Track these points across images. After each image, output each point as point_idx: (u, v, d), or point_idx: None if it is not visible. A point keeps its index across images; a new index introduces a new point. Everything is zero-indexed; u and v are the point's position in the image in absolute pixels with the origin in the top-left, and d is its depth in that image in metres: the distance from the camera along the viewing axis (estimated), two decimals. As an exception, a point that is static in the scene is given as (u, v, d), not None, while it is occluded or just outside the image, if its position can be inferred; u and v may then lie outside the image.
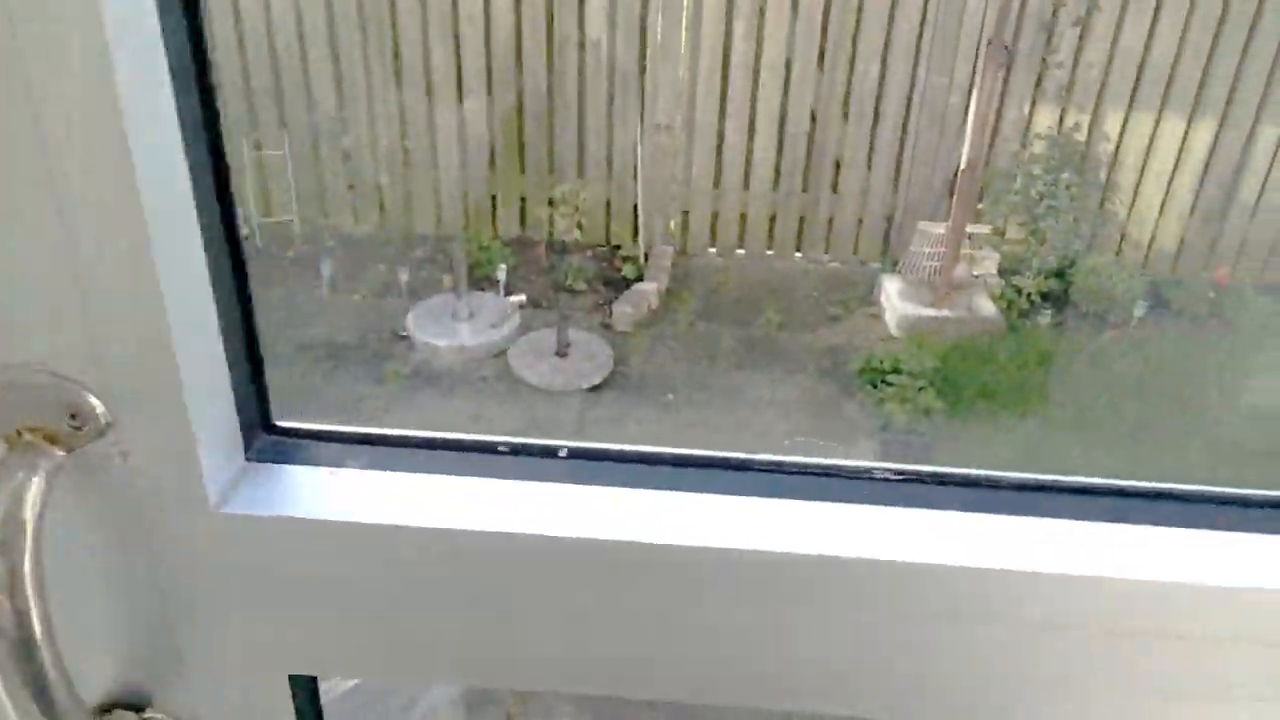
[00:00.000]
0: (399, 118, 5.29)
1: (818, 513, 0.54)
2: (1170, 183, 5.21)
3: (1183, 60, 4.91)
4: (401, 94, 5.24)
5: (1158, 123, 5.06)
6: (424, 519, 0.51)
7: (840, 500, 0.54)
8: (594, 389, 4.42)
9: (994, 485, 0.56)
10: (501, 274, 4.99)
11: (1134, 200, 5.27)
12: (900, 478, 0.55)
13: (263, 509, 0.52)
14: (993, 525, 0.54)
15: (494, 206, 5.53)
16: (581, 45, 5.10)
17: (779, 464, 0.56)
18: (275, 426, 0.56)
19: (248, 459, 0.54)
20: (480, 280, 5.10)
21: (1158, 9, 4.82)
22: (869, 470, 0.55)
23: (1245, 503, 0.56)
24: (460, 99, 5.24)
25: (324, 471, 0.54)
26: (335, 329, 4.68)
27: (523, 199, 5.50)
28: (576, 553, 0.51)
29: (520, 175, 5.44)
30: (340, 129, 5.25)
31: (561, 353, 4.52)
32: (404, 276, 4.93)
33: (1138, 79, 4.97)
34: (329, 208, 5.32)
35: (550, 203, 5.37)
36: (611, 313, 4.89)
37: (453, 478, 0.54)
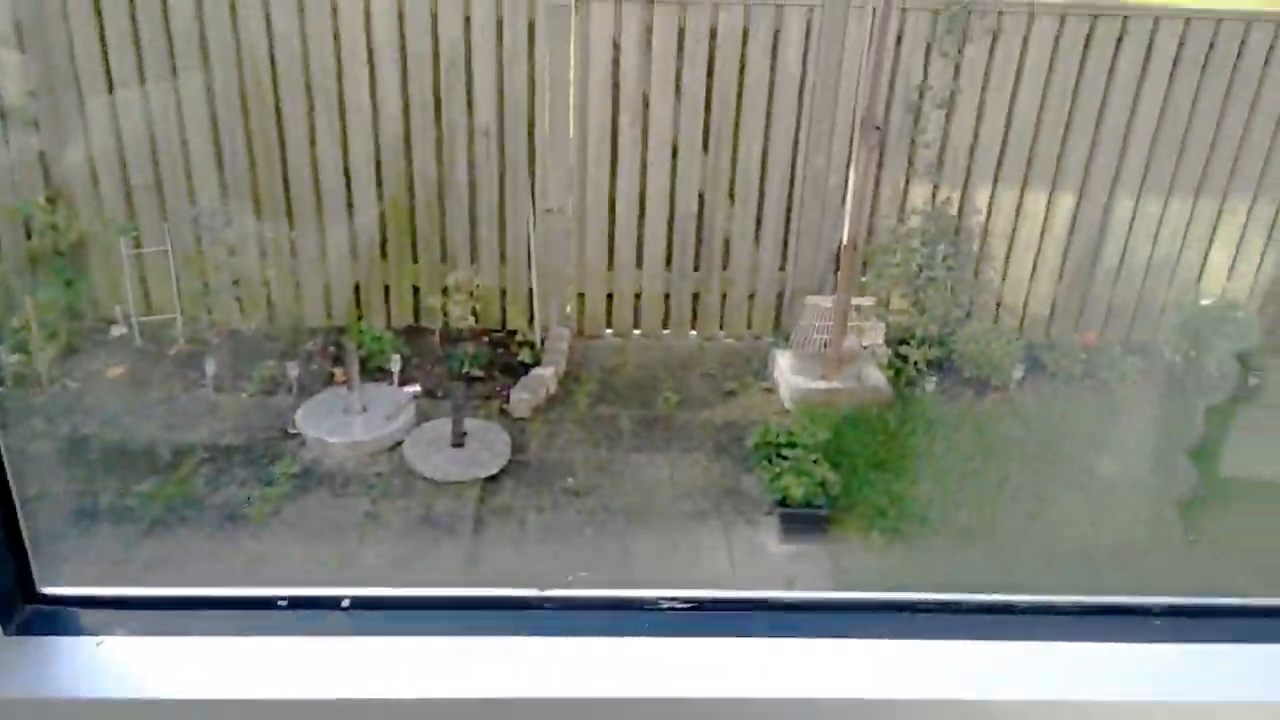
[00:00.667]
0: (286, 210, 5.23)
1: (610, 649, 0.53)
2: (1038, 251, 5.50)
3: (1040, 137, 5.23)
4: (288, 185, 5.19)
5: (1022, 195, 5.36)
6: (196, 689, 0.49)
7: (621, 634, 0.53)
8: (492, 478, 4.35)
9: (854, 607, 0.56)
10: (395, 365, 4.92)
11: (1006, 268, 5.54)
12: (686, 606, 0.55)
13: (20, 689, 0.48)
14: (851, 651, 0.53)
15: (386, 297, 5.48)
16: (471, 134, 5.15)
17: (569, 600, 0.55)
18: (40, 595, 0.53)
19: (7, 633, 0.51)
20: (373, 372, 5.02)
21: (1014, 92, 5.14)
22: (655, 601, 0.55)
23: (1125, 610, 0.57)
24: (349, 189, 5.22)
25: (90, 642, 0.51)
26: (220, 429, 4.52)
27: (415, 288, 5.47)
28: (359, 715, 0.49)
29: (413, 264, 5.42)
30: (224, 223, 5.16)
31: (458, 443, 4.45)
32: (293, 371, 4.82)
33: (1001, 155, 5.27)
34: (214, 304, 5.19)
35: (444, 291, 5.34)
36: (509, 399, 4.86)
37: (228, 639, 0.52)
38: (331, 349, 5.16)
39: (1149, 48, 5.06)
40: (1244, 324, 5.23)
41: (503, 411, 4.86)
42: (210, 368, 4.85)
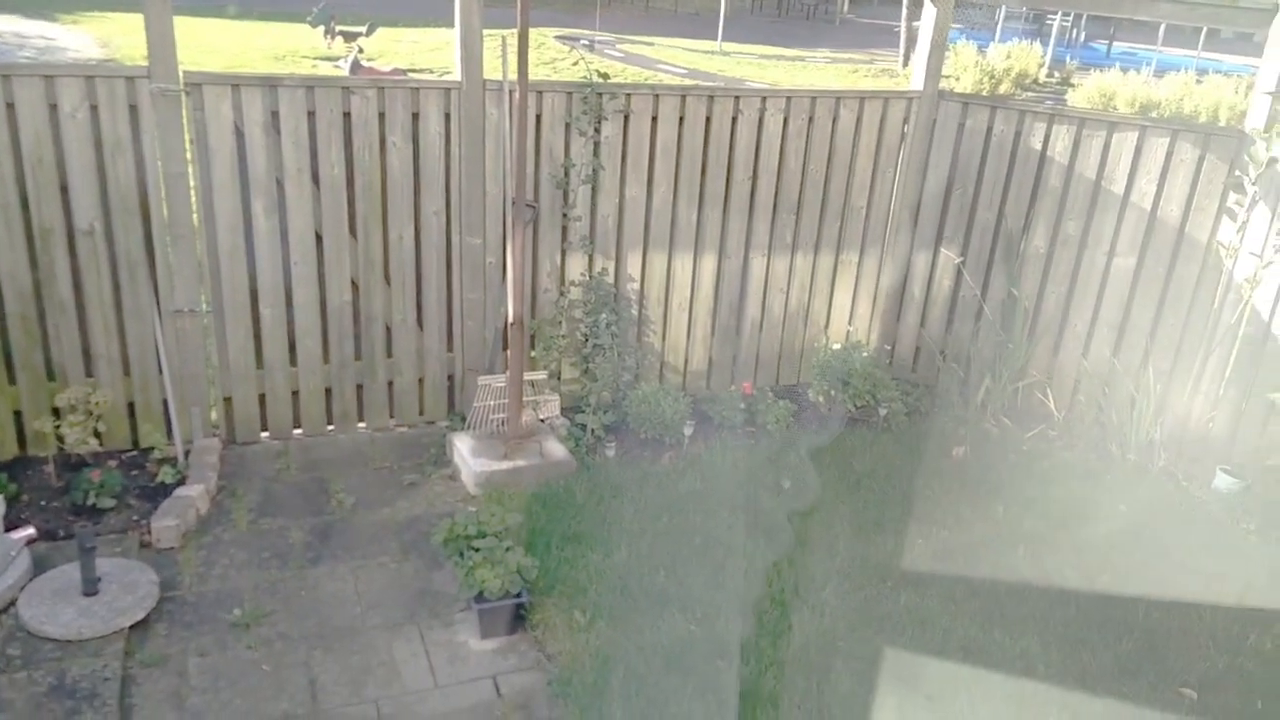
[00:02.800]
0: None
1: None
2: (690, 311, 5.82)
3: (679, 204, 5.55)
4: None
5: (670, 260, 5.65)
6: None
7: None
8: (139, 626, 3.72)
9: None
10: (-3, 508, 4.10)
11: (665, 330, 5.79)
12: None
13: None
14: None
15: (-22, 427, 4.59)
16: (71, 234, 4.49)
17: None
18: None
19: None
20: (-32, 520, 4.15)
21: (651, 165, 5.43)
22: None
23: None
24: (-86, 306, 4.32)
25: None
26: None
27: (17, 413, 4.63)
28: None
29: (10, 386, 4.59)
30: None
31: (90, 590, 3.77)
32: None
33: (646, 224, 5.53)
34: None
35: (55, 412, 4.57)
36: (150, 529, 4.22)
37: None
38: (-95, 501, 4.19)
39: (759, 122, 5.58)
40: (868, 363, 5.86)
41: (145, 544, 4.22)
42: None
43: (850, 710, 3.53)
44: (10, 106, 4.28)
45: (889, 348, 6.25)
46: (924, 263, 6.12)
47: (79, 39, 16.03)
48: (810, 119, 5.69)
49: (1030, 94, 18.29)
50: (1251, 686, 3.83)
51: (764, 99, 5.60)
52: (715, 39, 21.34)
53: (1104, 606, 4.24)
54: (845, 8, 30.99)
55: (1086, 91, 15.79)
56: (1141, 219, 5.51)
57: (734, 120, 5.53)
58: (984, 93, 17.73)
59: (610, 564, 4.22)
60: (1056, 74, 19.92)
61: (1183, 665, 3.92)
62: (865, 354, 5.92)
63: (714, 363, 6.01)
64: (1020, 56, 18.81)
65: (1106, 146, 5.52)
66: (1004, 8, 23.82)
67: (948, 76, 18.40)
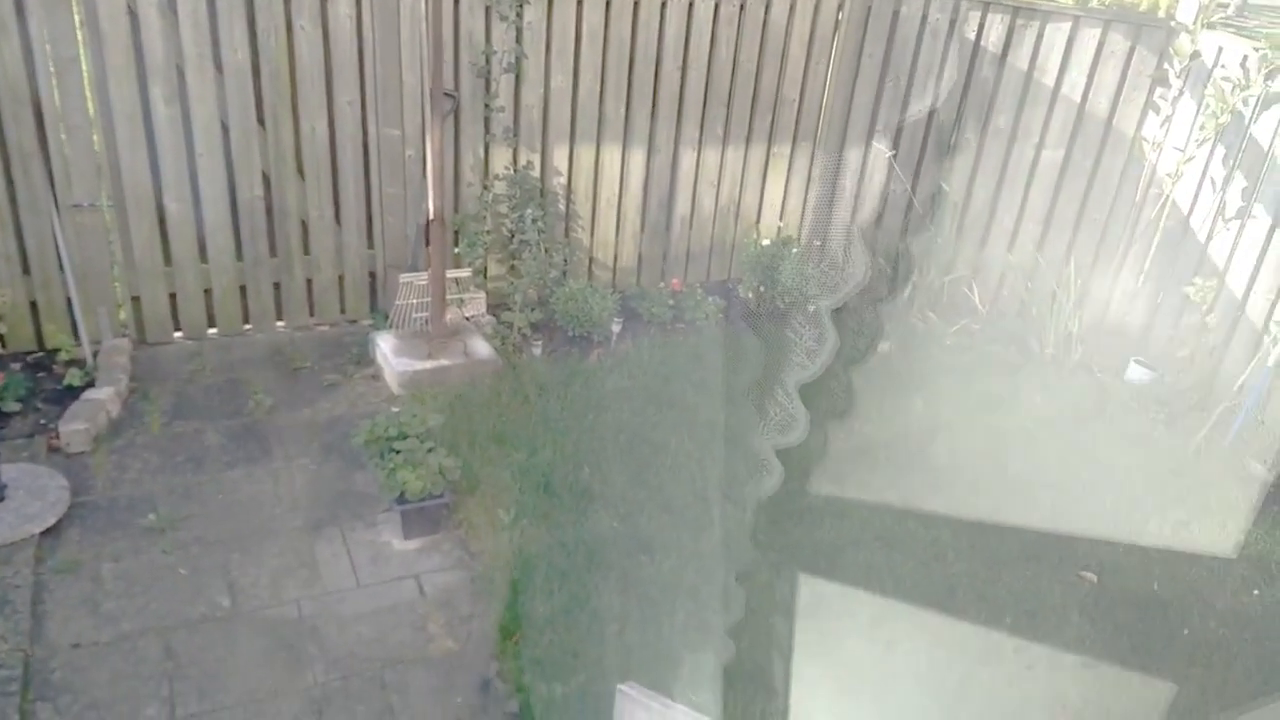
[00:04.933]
0: None
1: None
2: (619, 207, 5.70)
3: (606, 97, 5.38)
4: None
5: (598, 154, 5.50)
6: None
7: None
8: (49, 532, 3.64)
9: None
10: (-109, 415, 3.94)
11: (593, 226, 5.68)
12: None
13: None
14: None
15: None
16: (-46, 122, 4.20)
17: None
18: None
19: None
20: None
21: (577, 54, 5.22)
22: None
23: None
24: None
25: None
26: None
27: (-91, 315, 4.42)
28: None
29: (-101, 286, 4.36)
30: None
31: (-5, 498, 3.67)
32: None
33: (572, 116, 5.35)
34: None
35: (-49, 314, 4.37)
36: (59, 433, 4.09)
37: None
38: None
39: (689, 7, 5.37)
40: (798, 258, 5.84)
41: (54, 449, 4.10)
42: None
43: (769, 601, 3.62)
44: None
45: (819, 243, 6.22)
46: (856, 157, 6.05)
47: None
48: (742, 6, 5.49)
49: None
50: (1149, 570, 4.02)
51: (695, -18, 5.39)
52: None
53: (1013, 494, 4.37)
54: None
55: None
56: (1071, 111, 5.49)
57: (664, 6, 5.32)
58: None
59: (534, 463, 4.22)
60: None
61: (1085, 551, 4.08)
62: (795, 249, 5.89)
63: (643, 259, 5.93)
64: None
65: (1039, 36, 5.44)
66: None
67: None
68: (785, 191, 6.12)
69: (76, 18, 4.28)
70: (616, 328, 5.29)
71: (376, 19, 4.73)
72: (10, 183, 4.38)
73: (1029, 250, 5.75)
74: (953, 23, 5.60)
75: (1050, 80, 5.48)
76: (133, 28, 4.36)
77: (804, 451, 4.48)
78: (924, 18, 5.66)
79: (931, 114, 5.79)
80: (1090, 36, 5.32)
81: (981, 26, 5.54)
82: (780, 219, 6.16)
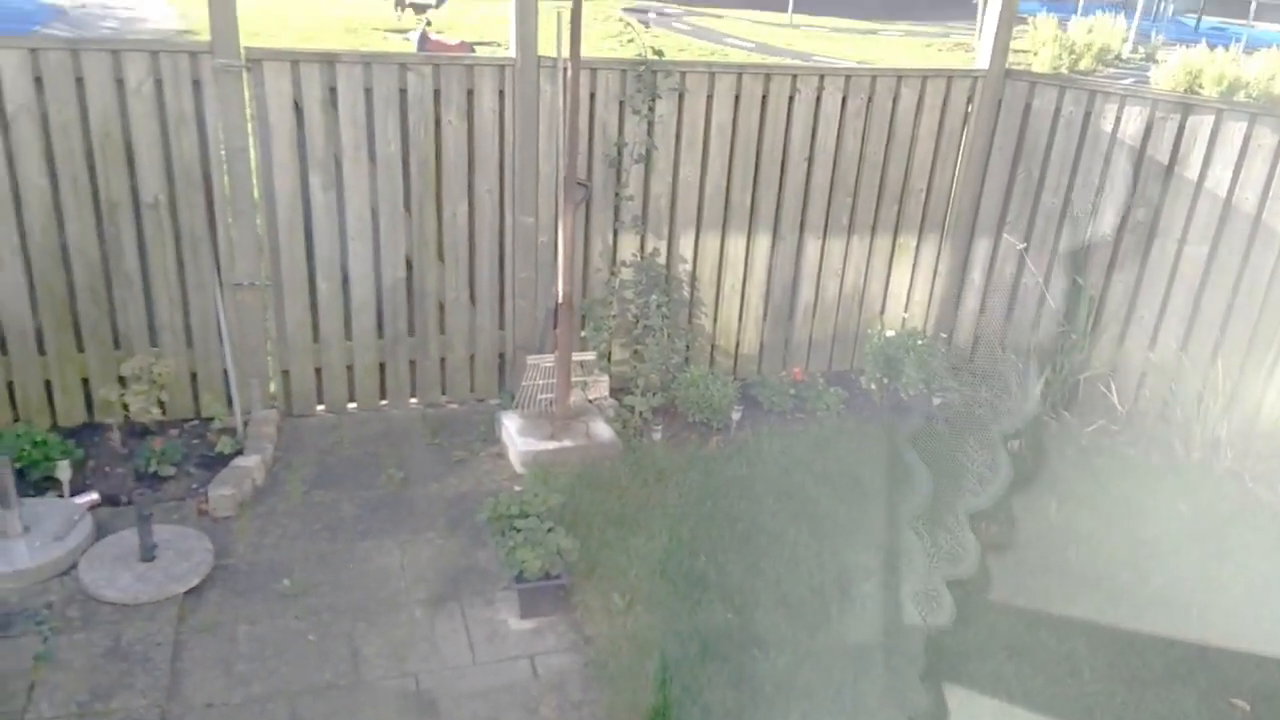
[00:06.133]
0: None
1: None
2: (743, 294, 5.77)
3: (733, 185, 5.49)
4: (-93, 277, 4.39)
5: (722, 241, 5.60)
6: None
7: None
8: (192, 592, 3.85)
9: None
10: (64, 472, 4.27)
11: (716, 312, 5.75)
12: None
13: None
14: None
15: (49, 394, 4.77)
16: (137, 207, 4.61)
17: None
18: None
19: None
20: (38, 483, 4.34)
21: (706, 145, 5.37)
22: None
23: None
24: (-11, 276, 4.50)
25: None
26: None
27: (85, 380, 4.80)
28: None
29: (79, 354, 4.76)
30: None
31: (148, 556, 3.91)
32: (-72, 496, 4.04)
33: (699, 204, 5.48)
34: None
35: (121, 381, 4.73)
36: (208, 498, 4.35)
37: None
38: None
39: (817, 101, 5.47)
40: (924, 350, 5.75)
41: (203, 512, 4.35)
42: None
43: (887, 708, 3.50)
44: (80, 81, 4.40)
45: (945, 335, 6.11)
46: (985, 248, 5.96)
47: (161, 10, 16.43)
48: (870, 98, 5.56)
49: (1112, 70, 17.67)
50: (1310, 699, 3.70)
51: (822, 77, 5.49)
52: (786, 11, 21.00)
53: (1156, 607, 4.12)
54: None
55: (1171, 69, 15.19)
56: (1215, 206, 5.28)
57: (791, 99, 5.43)
58: (1063, 69, 17.19)
59: (652, 548, 4.23)
60: (1141, 49, 19.19)
61: (1236, 674, 3.79)
62: (921, 341, 5.81)
63: (765, 346, 5.95)
64: (1103, 31, 18.16)
65: (1181, 130, 5.29)
66: (1087, -21, 22.98)
67: (1025, 52, 17.86)
68: (911, 282, 6.07)
69: (248, 111, 4.67)
70: (737, 415, 5.30)
71: (518, 113, 4.99)
72: (181, 263, 4.76)
73: (1171, 349, 5.50)
74: (1087, 115, 5.52)
75: (1193, 174, 5.30)
76: (297, 122, 4.74)
77: (929, 551, 4.35)
78: (1057, 110, 5.59)
79: (1065, 206, 5.67)
80: (1236, 130, 5.14)
81: (1119, 119, 5.43)
82: (905, 310, 6.10)
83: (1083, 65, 17.34)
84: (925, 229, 5.95)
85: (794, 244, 5.76)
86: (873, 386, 5.83)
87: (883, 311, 6.08)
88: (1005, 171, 5.81)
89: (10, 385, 4.71)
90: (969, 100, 5.74)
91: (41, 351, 4.71)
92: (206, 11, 4.48)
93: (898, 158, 5.73)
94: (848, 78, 5.52)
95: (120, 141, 4.51)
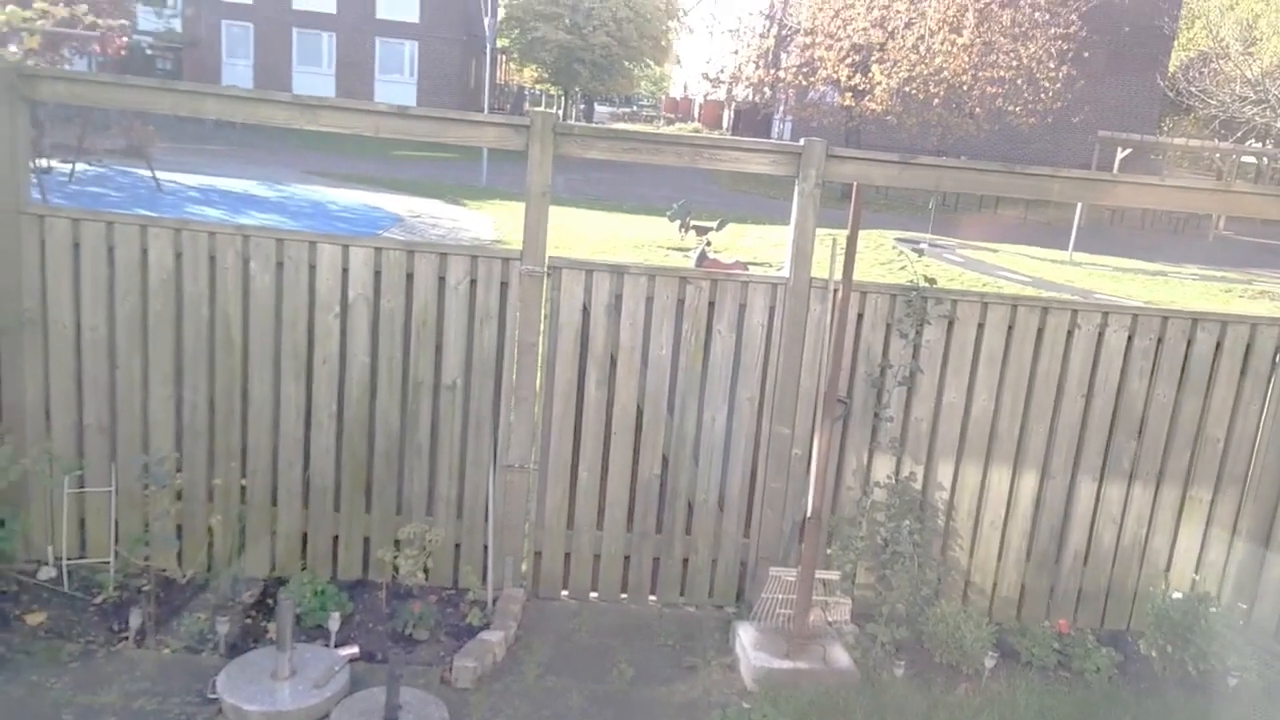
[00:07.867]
0: (241, 455, 5.12)
1: None
2: (1004, 531, 5.42)
3: (1000, 417, 5.30)
4: (246, 431, 5.11)
5: (985, 473, 5.35)
6: None
7: None
8: (424, 757, 3.97)
9: None
10: (334, 623, 4.63)
11: (973, 547, 5.43)
12: None
13: None
14: None
15: (335, 548, 5.27)
16: (437, 388, 5.16)
17: None
18: None
19: None
20: (311, 629, 4.72)
21: (973, 372, 5.27)
22: None
23: None
24: (307, 437, 5.14)
25: None
26: (131, 690, 4.16)
27: (366, 539, 5.27)
28: None
29: (365, 514, 5.25)
30: (174, 466, 5.02)
31: (391, 717, 4.10)
32: (223, 627, 4.51)
33: (962, 433, 5.31)
34: (152, 550, 4.94)
35: (396, 543, 5.14)
36: (452, 667, 4.54)
37: None
38: (270, 602, 4.87)
39: (1099, 337, 5.25)
40: (1218, 619, 5.08)
41: (445, 681, 4.53)
42: (135, 619, 4.53)
43: None
44: (410, 277, 5.09)
45: (1245, 605, 5.37)
46: (1297, 511, 5.28)
47: (479, 221, 18.81)
48: (1159, 340, 5.26)
49: None
50: None
51: (1105, 314, 5.29)
52: (1066, 249, 20.58)
53: None
54: (1221, 224, 28.67)
55: None
56: None
57: (1069, 334, 5.25)
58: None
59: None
60: None
61: None
62: (1214, 609, 5.13)
63: (1026, 591, 5.50)
64: None
65: None
66: None
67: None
68: (1204, 540, 5.45)
69: (543, 312, 5.17)
70: (990, 662, 4.87)
71: (785, 328, 5.17)
72: (465, 441, 5.22)
73: None
74: None
75: None
76: (583, 323, 5.18)
77: None
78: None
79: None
80: None
81: None
82: (1196, 571, 5.45)
83: None
84: (1223, 481, 5.39)
85: (1065, 484, 5.40)
86: (1153, 653, 5.18)
87: (1168, 569, 5.47)
88: (1322, 427, 5.21)
89: (305, 536, 5.26)
90: (1278, 350, 5.28)
91: (336, 509, 5.25)
92: (516, 223, 5.09)
93: (1191, 402, 5.31)
94: (1135, 316, 5.28)
95: (434, 329, 5.12)
